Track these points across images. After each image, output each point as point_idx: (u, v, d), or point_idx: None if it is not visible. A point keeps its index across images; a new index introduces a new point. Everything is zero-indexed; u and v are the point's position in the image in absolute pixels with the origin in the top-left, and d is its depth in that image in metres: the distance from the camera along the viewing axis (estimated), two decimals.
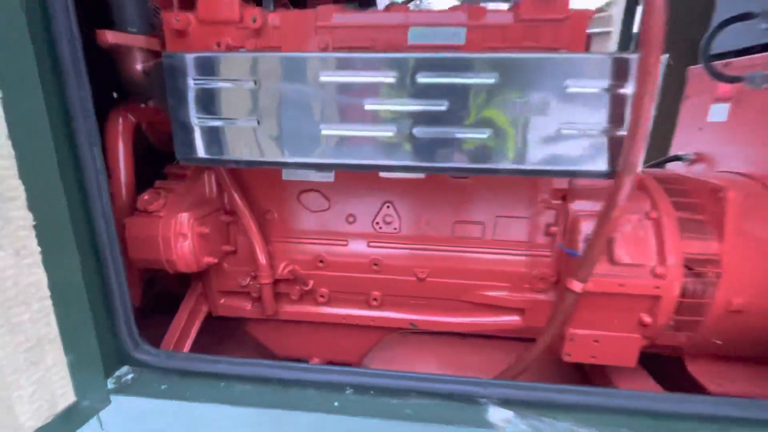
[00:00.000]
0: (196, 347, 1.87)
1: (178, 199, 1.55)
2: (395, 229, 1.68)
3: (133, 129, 1.57)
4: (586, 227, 1.51)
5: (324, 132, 1.20)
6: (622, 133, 1.12)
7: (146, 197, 1.48)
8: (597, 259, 1.28)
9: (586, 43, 1.27)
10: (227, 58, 1.16)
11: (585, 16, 1.23)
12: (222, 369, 1.17)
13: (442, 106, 1.14)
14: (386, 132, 1.18)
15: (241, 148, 1.25)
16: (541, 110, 1.11)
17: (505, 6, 1.31)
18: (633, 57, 1.06)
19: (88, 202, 1.05)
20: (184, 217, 1.50)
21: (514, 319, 1.70)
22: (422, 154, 1.19)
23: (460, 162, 1.19)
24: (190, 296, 1.84)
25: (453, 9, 1.29)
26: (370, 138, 1.19)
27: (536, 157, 1.16)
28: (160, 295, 2.08)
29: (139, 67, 1.31)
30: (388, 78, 1.13)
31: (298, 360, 2.00)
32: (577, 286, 1.31)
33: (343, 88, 1.15)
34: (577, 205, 1.56)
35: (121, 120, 1.53)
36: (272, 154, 1.24)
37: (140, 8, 1.30)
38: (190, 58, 1.18)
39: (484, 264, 1.65)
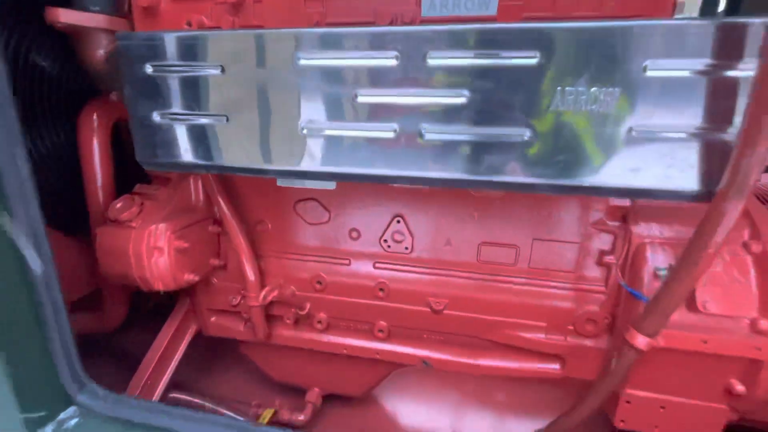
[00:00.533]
0: (186, 363, 1.69)
1: (156, 207, 1.35)
2: (406, 248, 1.39)
3: (111, 126, 1.39)
4: (656, 259, 1.14)
5: (306, 132, 0.93)
6: (727, 137, 0.76)
7: (118, 205, 1.29)
8: (673, 309, 0.93)
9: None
10: (185, 38, 0.92)
11: None
12: (174, 426, 0.94)
13: (461, 98, 0.84)
14: (385, 132, 0.89)
15: (208, 151, 1.01)
16: (604, 104, 0.78)
17: None
18: (755, 23, 0.70)
19: (14, 221, 0.84)
20: (161, 228, 1.29)
21: (552, 367, 1.36)
22: (433, 162, 0.89)
23: (484, 174, 0.87)
24: (176, 312, 1.65)
25: None
26: (365, 140, 0.91)
27: (594, 169, 0.82)
28: (160, 303, 1.93)
29: (100, 52, 1.10)
30: (388, 60, 0.84)
31: (297, 388, 1.77)
32: (641, 341, 0.96)
33: (329, 75, 0.88)
34: (643, 229, 1.19)
35: (96, 116, 1.35)
36: (245, 159, 0.99)
37: None
38: (143, 38, 0.95)
39: (517, 297, 1.32)
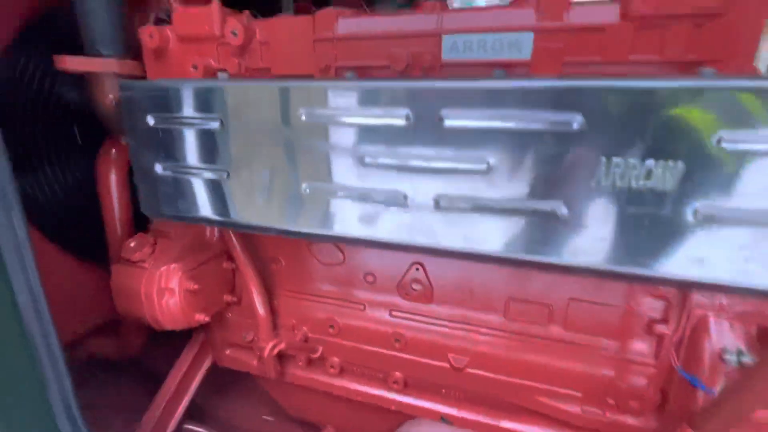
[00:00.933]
0: (202, 390, 1.68)
1: (169, 246, 1.32)
2: (425, 298, 1.27)
3: (129, 162, 1.38)
4: (722, 338, 0.96)
5: (308, 192, 0.84)
6: None
7: (132, 244, 1.27)
8: (744, 417, 0.75)
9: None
10: (183, 88, 0.86)
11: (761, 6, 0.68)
12: None
13: (481, 164, 0.71)
14: (395, 197, 0.78)
15: (211, 206, 0.95)
16: (661, 180, 0.63)
17: None
18: None
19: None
20: (172, 269, 1.26)
21: None
22: (448, 232, 0.77)
23: (508, 251, 0.74)
24: (192, 343, 1.64)
25: (515, 3, 0.83)
26: (372, 205, 0.80)
27: (645, 256, 0.67)
28: None
29: (110, 97, 1.08)
30: (397, 119, 0.73)
31: (311, 425, 1.72)
32: None
33: (332, 133, 0.78)
34: (707, 298, 1.00)
35: (114, 152, 1.34)
36: (246, 216, 0.92)
37: (112, 27, 1.06)
38: (144, 88, 0.90)
39: (549, 361, 1.17)
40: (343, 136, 0.78)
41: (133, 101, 0.93)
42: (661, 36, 0.73)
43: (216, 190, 0.93)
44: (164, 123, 0.92)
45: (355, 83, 0.74)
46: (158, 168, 0.96)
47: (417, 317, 1.29)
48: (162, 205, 0.99)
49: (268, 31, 0.97)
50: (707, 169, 0.61)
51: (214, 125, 0.87)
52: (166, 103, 0.90)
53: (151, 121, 0.93)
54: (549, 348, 1.17)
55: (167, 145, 0.93)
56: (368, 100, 0.74)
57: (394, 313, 1.32)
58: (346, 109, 0.76)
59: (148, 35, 1.03)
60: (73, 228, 1.49)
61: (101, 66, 1.04)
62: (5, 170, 0.75)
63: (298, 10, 1.46)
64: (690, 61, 0.74)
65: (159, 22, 1.06)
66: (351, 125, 0.77)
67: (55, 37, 1.19)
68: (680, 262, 0.66)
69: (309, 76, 0.97)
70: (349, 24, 0.92)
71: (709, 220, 0.63)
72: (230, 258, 1.47)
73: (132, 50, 1.10)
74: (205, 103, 0.86)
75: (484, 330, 1.23)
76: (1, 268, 0.78)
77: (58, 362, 0.93)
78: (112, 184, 1.35)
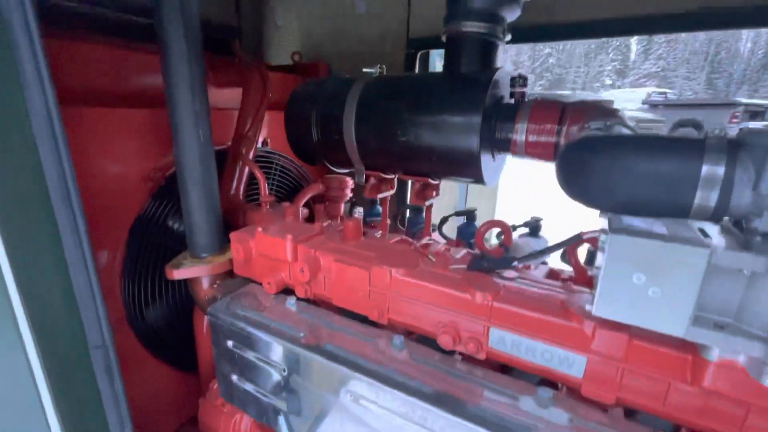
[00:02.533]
0: None
1: None
2: None
3: None
4: None
5: None
6: None
7: (215, 386, 1.49)
8: None
9: None
10: (258, 334, 1.00)
11: None
12: None
13: None
14: None
15: (268, 422, 1.08)
16: None
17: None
18: None
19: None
20: (245, 420, 1.45)
21: None
22: None
23: None
24: None
25: (567, 314, 0.78)
26: None
27: None
28: None
29: (203, 295, 1.29)
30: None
31: None
32: None
33: (371, 416, 0.83)
34: None
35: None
36: None
37: (211, 236, 1.26)
38: (226, 321, 1.06)
39: None
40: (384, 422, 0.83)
41: (217, 326, 1.10)
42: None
43: (274, 413, 1.05)
44: (240, 351, 1.07)
45: (400, 396, 0.78)
46: (234, 378, 1.12)
47: None
48: (234, 398, 1.16)
49: (331, 269, 1.06)
50: None
51: (280, 370, 0.99)
52: (242, 339, 1.05)
53: (230, 344, 1.09)
54: None
55: (242, 367, 1.09)
56: (405, 411, 0.78)
57: None
58: (389, 408, 0.81)
59: (236, 250, 1.20)
60: (176, 345, 1.77)
61: (197, 273, 1.25)
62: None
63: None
64: None
65: None
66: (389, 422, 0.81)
67: None
68: None
69: (365, 319, 1.04)
70: (400, 284, 0.96)
71: None
72: None
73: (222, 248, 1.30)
74: (273, 350, 0.98)
75: None
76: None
77: None
78: (205, 337, 1.59)
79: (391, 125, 1.31)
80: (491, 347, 0.86)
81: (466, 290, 0.89)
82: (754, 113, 11.93)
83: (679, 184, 0.61)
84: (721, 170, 0.58)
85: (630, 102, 15.38)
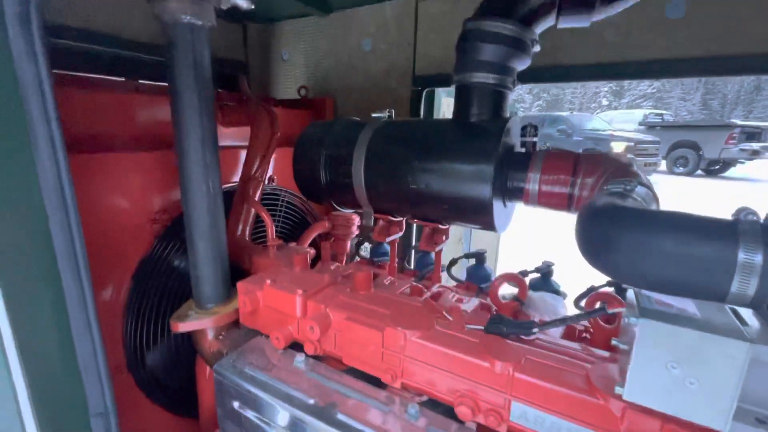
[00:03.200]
0: None
1: None
2: None
3: None
4: None
5: None
6: None
7: None
8: None
9: None
10: (264, 401, 0.96)
11: None
12: None
13: None
14: None
15: None
16: None
17: None
18: None
19: None
20: None
21: None
22: None
23: None
24: None
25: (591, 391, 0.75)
26: None
27: None
28: None
29: (212, 344, 1.25)
30: None
31: None
32: None
33: None
34: None
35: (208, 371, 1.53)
36: None
37: (216, 287, 1.23)
38: (230, 379, 1.02)
39: None
40: None
41: (223, 386, 1.06)
42: None
43: None
44: (247, 413, 1.02)
45: None
46: None
47: None
48: None
49: (342, 327, 1.03)
50: None
51: None
52: (249, 402, 1.00)
53: (236, 405, 1.04)
54: None
55: (248, 429, 1.04)
56: None
57: None
58: None
59: (242, 302, 1.17)
60: (176, 393, 1.71)
61: (203, 325, 1.21)
62: None
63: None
64: None
65: None
66: None
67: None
68: None
69: (378, 380, 1.00)
70: (415, 347, 0.93)
71: None
72: None
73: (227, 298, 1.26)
74: (283, 417, 0.94)
75: None
76: None
77: None
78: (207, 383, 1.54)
79: (402, 172, 1.30)
80: (513, 421, 0.82)
81: (485, 358, 0.85)
82: (751, 134, 12.07)
83: (715, 270, 0.58)
84: (758, 258, 0.56)
85: (627, 123, 15.57)
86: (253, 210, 1.60)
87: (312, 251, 1.60)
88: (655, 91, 37.07)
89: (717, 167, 12.80)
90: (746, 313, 0.63)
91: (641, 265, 0.65)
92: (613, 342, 0.78)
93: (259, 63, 2.75)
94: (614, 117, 16.92)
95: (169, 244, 1.54)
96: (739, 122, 12.47)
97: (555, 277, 1.50)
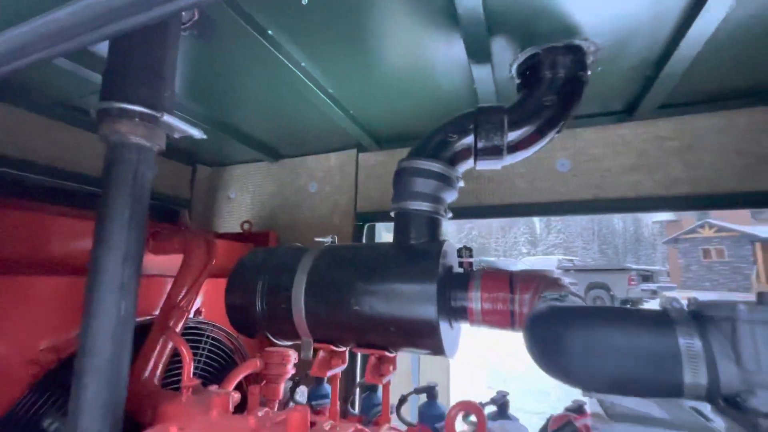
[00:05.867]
0: None
1: None
2: None
3: None
4: None
5: None
6: None
7: None
8: None
9: None
10: None
11: None
12: None
13: None
14: None
15: None
16: None
17: None
18: None
19: None
20: None
21: None
22: None
23: None
24: None
25: None
26: None
27: None
28: None
29: None
30: None
31: None
32: None
33: None
34: None
35: None
36: None
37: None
38: None
39: None
40: None
41: None
42: None
43: None
44: None
45: None
46: None
47: None
48: None
49: None
50: None
51: None
52: None
53: None
54: None
55: None
56: None
57: None
58: None
59: None
60: None
61: None
62: None
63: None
64: None
65: None
66: None
67: None
68: None
69: None
70: None
71: None
72: None
73: None
74: None
75: None
76: None
77: None
78: None
79: (344, 294, 1.25)
80: None
81: None
82: (645, 276, 13.93)
83: (665, 358, 0.58)
84: (697, 344, 0.57)
85: (545, 267, 17.37)
86: (170, 344, 1.37)
87: (237, 395, 1.34)
88: (561, 241, 43.18)
89: (628, 306, 14.13)
90: (706, 410, 0.60)
91: (593, 363, 0.63)
92: None
93: (204, 201, 2.80)
94: (534, 262, 18.90)
95: (44, 395, 1.20)
96: (634, 267, 14.49)
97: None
